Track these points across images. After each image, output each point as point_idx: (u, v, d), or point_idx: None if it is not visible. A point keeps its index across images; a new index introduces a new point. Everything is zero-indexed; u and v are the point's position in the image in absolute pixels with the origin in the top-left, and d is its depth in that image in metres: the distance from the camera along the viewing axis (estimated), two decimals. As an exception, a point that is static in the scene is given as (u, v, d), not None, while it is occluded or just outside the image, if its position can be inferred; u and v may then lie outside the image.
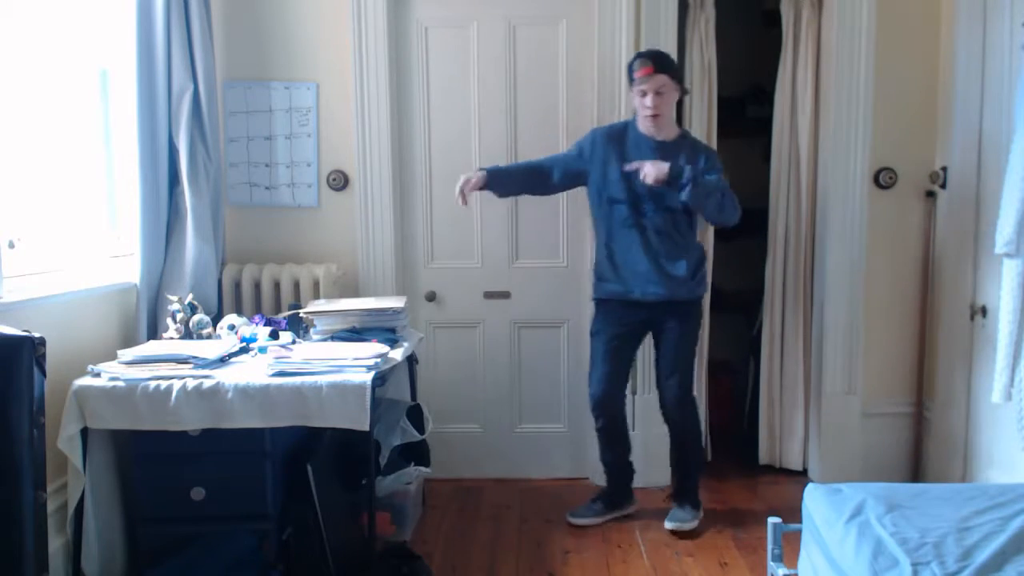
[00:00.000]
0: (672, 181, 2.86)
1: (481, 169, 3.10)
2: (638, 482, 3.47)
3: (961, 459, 3.13)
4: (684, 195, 2.88)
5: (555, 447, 3.64)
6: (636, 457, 3.49)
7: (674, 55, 3.35)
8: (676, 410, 3.12)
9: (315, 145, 3.40)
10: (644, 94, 2.96)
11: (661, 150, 3.00)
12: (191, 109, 2.99)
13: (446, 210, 3.51)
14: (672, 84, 2.98)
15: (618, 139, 3.08)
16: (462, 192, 3.01)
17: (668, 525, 3.07)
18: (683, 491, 3.18)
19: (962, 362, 3.13)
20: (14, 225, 2.44)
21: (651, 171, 2.85)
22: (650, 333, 3.18)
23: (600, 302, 3.16)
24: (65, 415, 2.31)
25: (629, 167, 2.94)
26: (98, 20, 2.88)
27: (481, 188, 3.06)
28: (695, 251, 3.09)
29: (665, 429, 3.25)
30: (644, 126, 3.04)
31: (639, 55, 3.04)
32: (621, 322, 3.11)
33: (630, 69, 3.03)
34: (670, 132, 3.06)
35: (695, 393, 3.24)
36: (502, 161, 3.47)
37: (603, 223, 3.10)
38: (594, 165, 3.08)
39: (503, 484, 3.58)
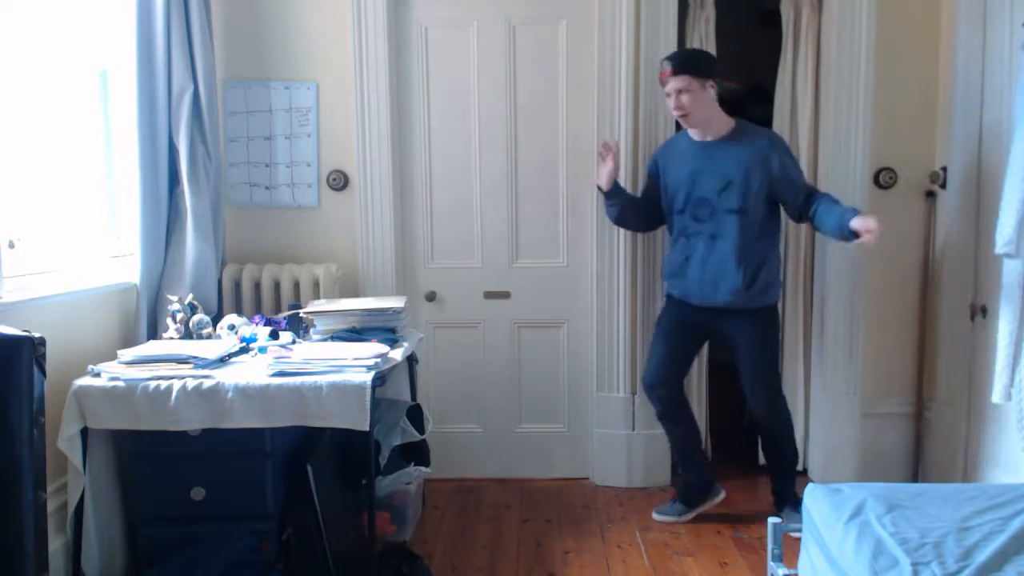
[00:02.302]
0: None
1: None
2: (637, 482, 3.47)
3: (961, 459, 3.13)
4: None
5: (555, 447, 3.64)
6: (635, 458, 3.50)
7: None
8: (765, 420, 3.12)
9: (315, 145, 3.40)
10: (668, 96, 2.96)
11: (706, 152, 2.99)
12: (191, 109, 3.00)
13: (446, 210, 3.52)
14: (697, 81, 2.90)
15: (672, 149, 3.11)
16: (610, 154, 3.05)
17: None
18: (786, 493, 3.11)
19: (962, 362, 3.12)
20: (14, 225, 2.44)
21: (875, 232, 2.68)
22: (712, 338, 3.19)
23: (669, 297, 3.19)
24: (65, 415, 2.31)
25: (862, 240, 2.68)
26: (98, 20, 2.88)
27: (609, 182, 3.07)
28: (754, 258, 2.94)
29: (663, 430, 3.26)
30: (688, 129, 3.04)
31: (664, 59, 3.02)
32: (682, 317, 3.12)
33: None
34: (718, 130, 3.00)
35: (696, 395, 3.21)
36: (502, 161, 3.48)
37: (672, 229, 3.13)
38: (662, 180, 3.10)
39: (503, 484, 3.58)
